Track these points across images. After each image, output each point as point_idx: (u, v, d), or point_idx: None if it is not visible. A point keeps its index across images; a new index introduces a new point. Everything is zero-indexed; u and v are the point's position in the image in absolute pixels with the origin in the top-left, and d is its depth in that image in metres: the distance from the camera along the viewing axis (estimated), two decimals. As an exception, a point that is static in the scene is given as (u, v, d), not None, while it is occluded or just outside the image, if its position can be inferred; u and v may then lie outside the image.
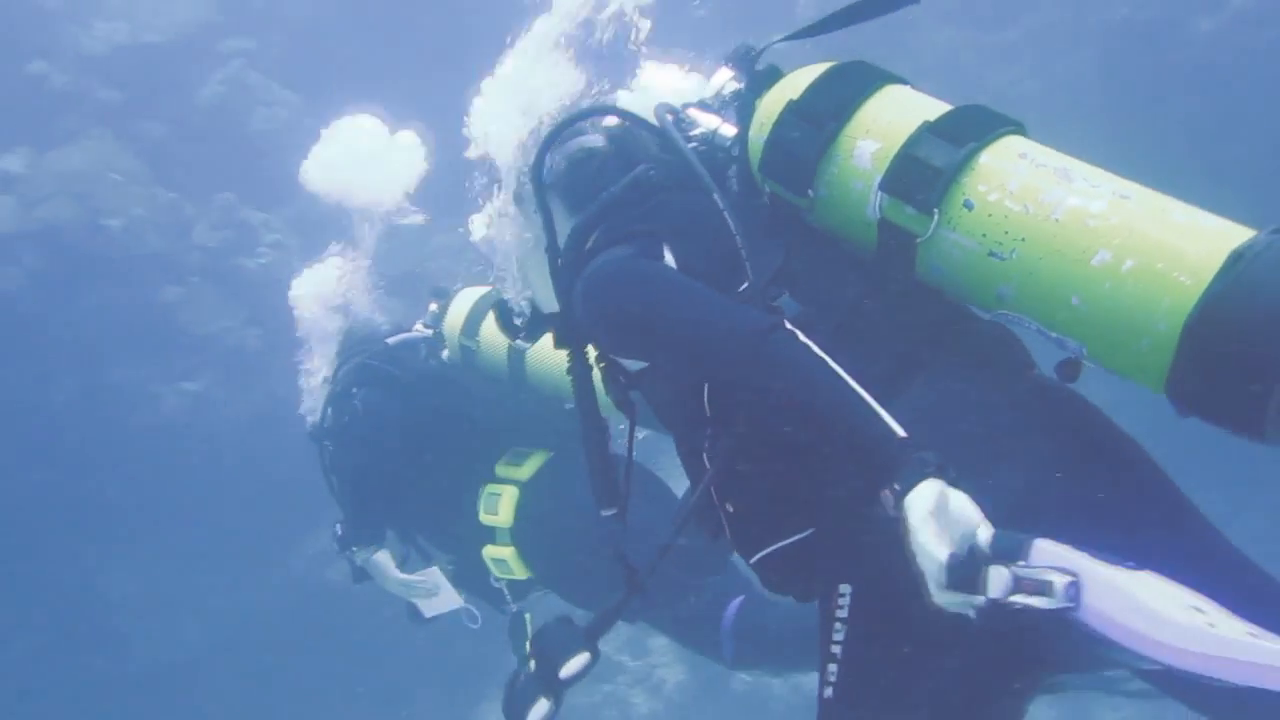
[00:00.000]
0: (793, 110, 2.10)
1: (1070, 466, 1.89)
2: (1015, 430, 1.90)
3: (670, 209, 2.19)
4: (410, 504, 4.17)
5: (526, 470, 3.98)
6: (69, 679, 7.96)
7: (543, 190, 2.37)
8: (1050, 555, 1.55)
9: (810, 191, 2.06)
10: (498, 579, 3.98)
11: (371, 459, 4.10)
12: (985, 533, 1.57)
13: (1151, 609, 1.50)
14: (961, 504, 1.60)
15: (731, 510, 2.05)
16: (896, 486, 1.63)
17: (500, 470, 3.99)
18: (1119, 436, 2.00)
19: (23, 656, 8.02)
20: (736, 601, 3.82)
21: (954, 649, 1.77)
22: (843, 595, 1.89)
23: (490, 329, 3.76)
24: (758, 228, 2.10)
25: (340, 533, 4.21)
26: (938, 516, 1.59)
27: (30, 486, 7.81)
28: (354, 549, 4.18)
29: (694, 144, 2.24)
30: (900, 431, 1.70)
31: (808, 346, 1.82)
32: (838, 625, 1.88)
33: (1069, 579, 1.51)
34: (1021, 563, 1.54)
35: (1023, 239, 1.84)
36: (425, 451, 4.02)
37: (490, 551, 3.92)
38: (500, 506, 3.91)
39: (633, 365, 2.24)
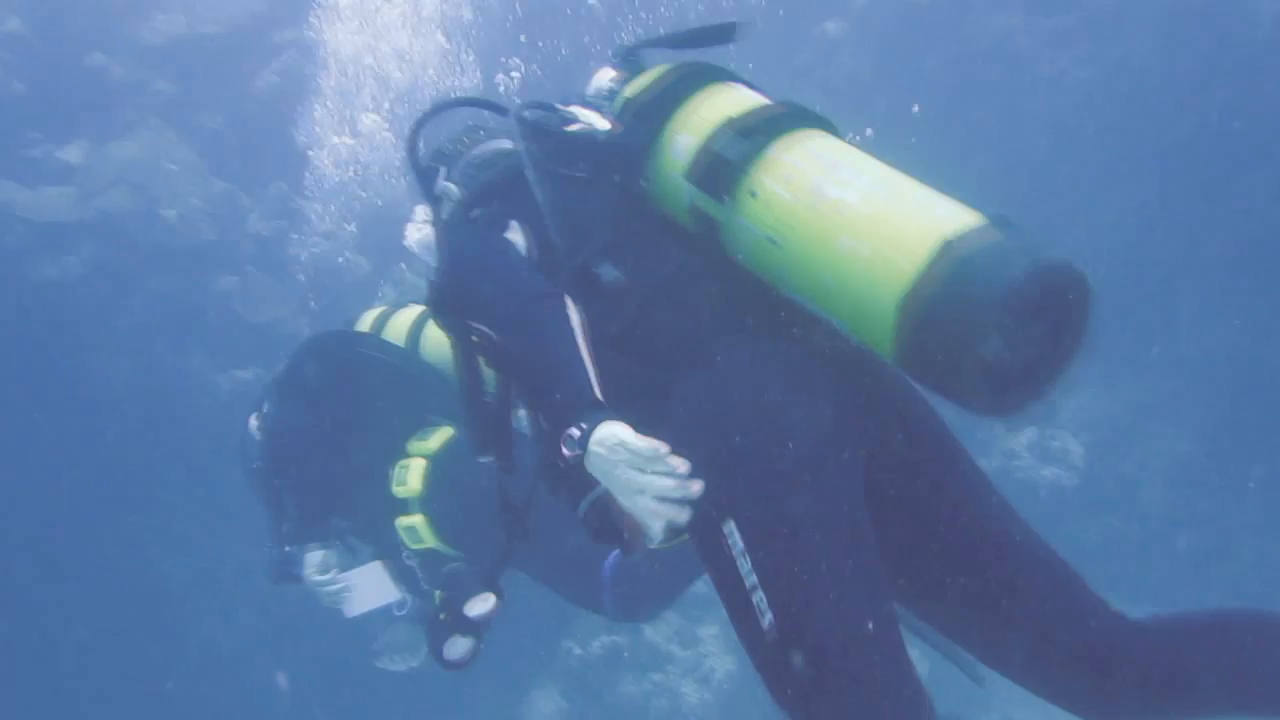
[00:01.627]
0: (628, 107, 2.36)
1: (864, 412, 2.14)
2: (816, 379, 2.12)
3: (521, 193, 2.43)
4: (337, 496, 4.37)
5: (434, 443, 4.22)
6: (126, 668, 8.06)
7: (423, 175, 2.72)
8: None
9: (642, 181, 2.32)
10: (410, 552, 4.17)
11: (292, 467, 4.33)
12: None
13: None
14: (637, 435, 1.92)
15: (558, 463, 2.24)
16: (583, 425, 1.97)
17: (411, 446, 4.20)
18: (910, 392, 2.24)
19: (80, 646, 8.13)
20: (614, 554, 4.04)
21: (840, 531, 2.01)
22: (729, 534, 2.01)
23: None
24: (604, 208, 2.36)
25: (285, 530, 4.36)
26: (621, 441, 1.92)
27: (88, 475, 7.92)
28: (293, 546, 4.34)
29: (577, 126, 2.48)
30: (598, 395, 2.03)
31: (562, 318, 2.14)
32: (740, 560, 2.00)
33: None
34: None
35: (790, 226, 2.05)
36: (342, 448, 4.24)
37: (401, 521, 4.13)
38: (409, 477, 4.14)
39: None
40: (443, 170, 2.73)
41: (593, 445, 1.96)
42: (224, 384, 8.25)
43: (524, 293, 2.22)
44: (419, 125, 2.70)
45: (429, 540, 4.15)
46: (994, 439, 8.05)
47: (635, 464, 1.91)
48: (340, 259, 8.32)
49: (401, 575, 4.28)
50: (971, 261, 1.86)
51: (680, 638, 7.95)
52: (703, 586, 2.90)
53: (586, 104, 2.53)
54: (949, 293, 1.86)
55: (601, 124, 2.45)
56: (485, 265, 2.35)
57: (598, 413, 2.00)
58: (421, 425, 4.29)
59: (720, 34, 2.51)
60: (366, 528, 4.37)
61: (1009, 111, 8.31)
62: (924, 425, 2.27)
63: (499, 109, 2.63)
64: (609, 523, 2.14)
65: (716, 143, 2.18)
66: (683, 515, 1.90)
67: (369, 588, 4.30)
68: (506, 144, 2.68)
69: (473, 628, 3.43)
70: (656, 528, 1.91)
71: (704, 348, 2.16)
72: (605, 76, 2.53)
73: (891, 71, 8.54)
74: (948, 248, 1.87)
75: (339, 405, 4.29)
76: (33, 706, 8.04)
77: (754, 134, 2.15)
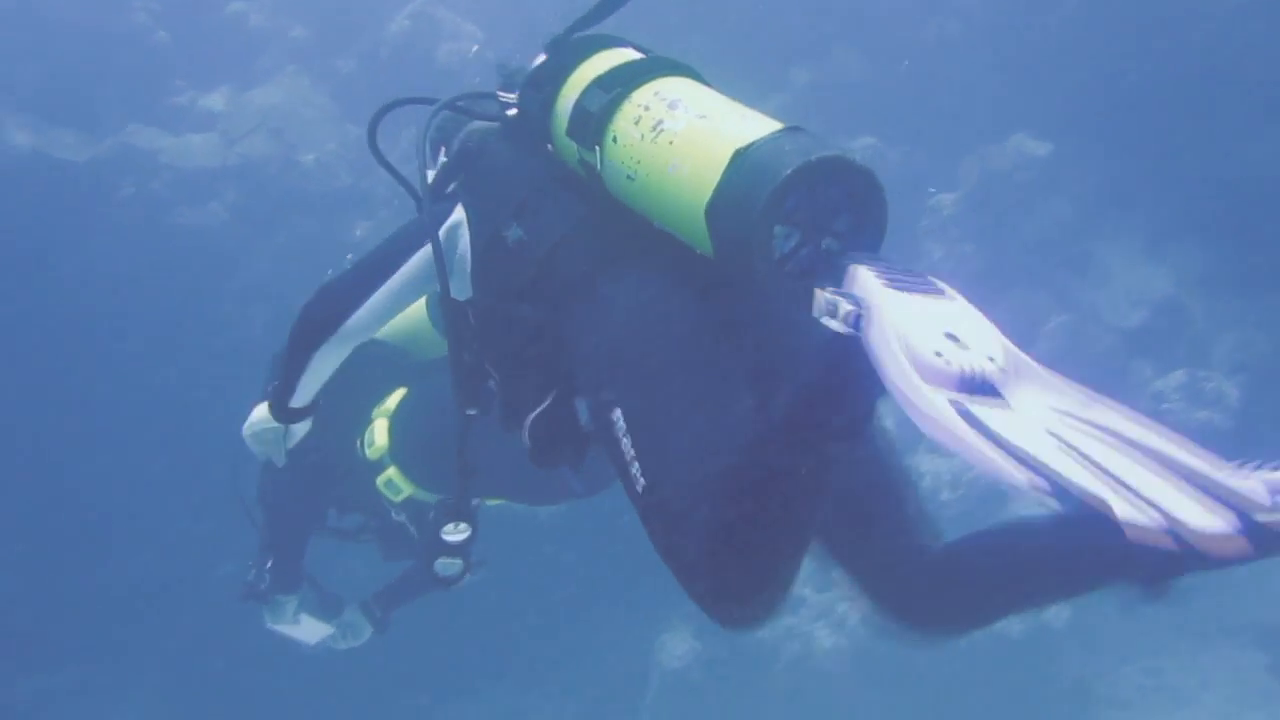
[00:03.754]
0: (529, 80, 2.67)
1: (731, 319, 2.36)
2: (685, 290, 2.37)
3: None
4: (332, 489, 4.75)
5: (391, 403, 4.55)
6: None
7: (386, 164, 3.05)
8: (858, 281, 1.92)
9: (549, 146, 2.62)
10: (396, 508, 4.53)
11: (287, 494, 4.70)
12: None
13: (905, 355, 1.72)
14: None
15: (497, 390, 2.56)
16: None
17: (374, 414, 4.54)
18: (792, 323, 2.32)
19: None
20: None
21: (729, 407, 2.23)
22: (615, 420, 2.27)
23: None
24: (522, 175, 2.69)
25: (269, 579, 4.77)
26: None
27: (231, 420, 8.13)
28: (276, 601, 4.82)
29: (512, 110, 2.79)
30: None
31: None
32: (623, 439, 2.25)
33: (853, 309, 1.85)
34: (832, 288, 1.94)
35: (639, 161, 2.32)
36: (329, 443, 4.46)
37: (380, 479, 4.47)
38: (375, 437, 4.50)
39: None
40: (441, 151, 3.06)
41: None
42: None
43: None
44: (377, 119, 3.00)
45: (407, 488, 4.49)
46: (1143, 381, 7.72)
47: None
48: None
49: (395, 536, 4.71)
50: (750, 163, 2.12)
51: (814, 581, 7.87)
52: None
53: (514, 88, 2.81)
54: (733, 191, 2.13)
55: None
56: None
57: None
58: (381, 395, 4.62)
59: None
60: (360, 500, 4.72)
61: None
62: (791, 335, 2.44)
63: (429, 102, 2.94)
64: (550, 439, 2.52)
65: (584, 99, 2.47)
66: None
67: (308, 633, 4.99)
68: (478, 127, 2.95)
69: (456, 550, 3.94)
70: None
71: (592, 283, 2.44)
72: (540, 58, 2.75)
73: None
74: (735, 155, 2.14)
75: (323, 407, 4.67)
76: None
77: (614, 86, 2.43)
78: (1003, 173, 8.45)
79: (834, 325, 1.90)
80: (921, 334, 1.73)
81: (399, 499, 4.52)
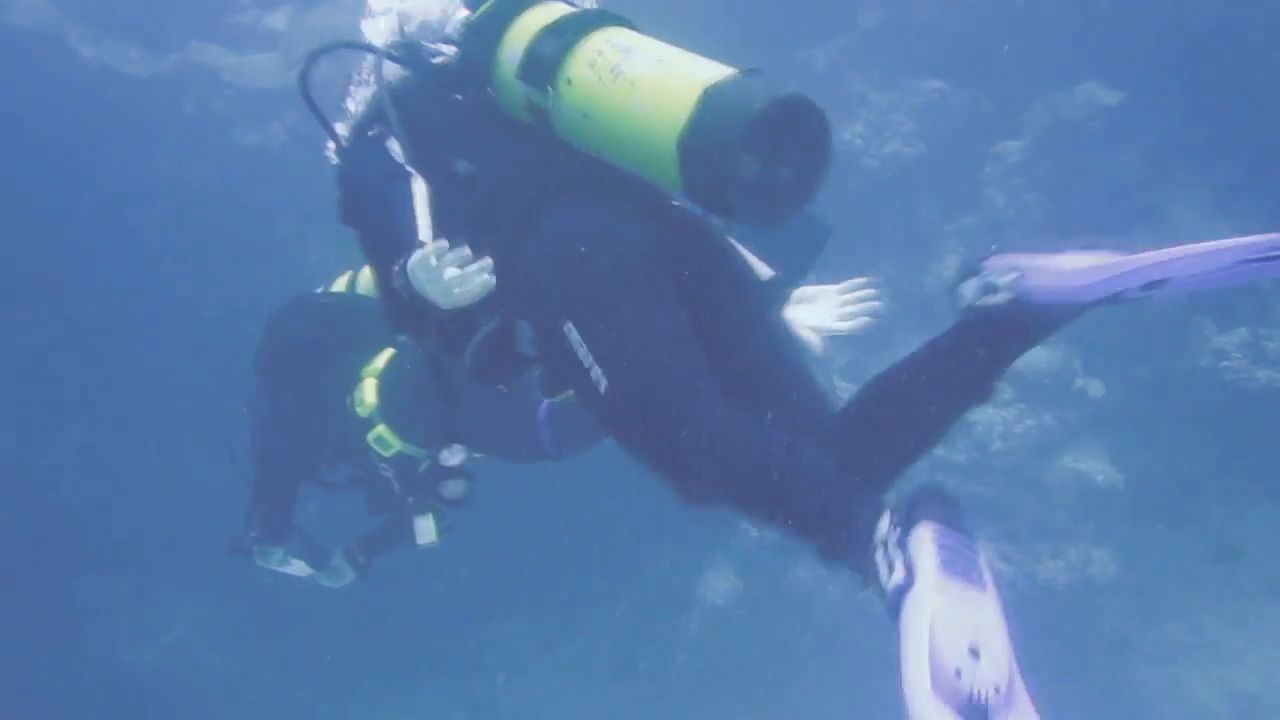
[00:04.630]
0: (469, 31, 2.89)
1: (672, 241, 2.63)
2: (628, 213, 2.63)
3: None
4: (323, 444, 5.03)
5: (380, 362, 4.82)
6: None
7: (316, 109, 3.17)
8: (999, 263, 2.31)
9: (489, 90, 2.84)
10: (385, 463, 4.83)
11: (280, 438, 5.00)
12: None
13: (1073, 270, 2.18)
14: None
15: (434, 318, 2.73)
16: (401, 260, 2.62)
17: (363, 373, 4.81)
18: (721, 246, 2.75)
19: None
20: (544, 405, 4.72)
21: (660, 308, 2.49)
22: (568, 333, 2.47)
23: None
24: (461, 118, 2.91)
25: (258, 529, 5.05)
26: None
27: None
28: (264, 549, 5.09)
29: (440, 59, 3.01)
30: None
31: (408, 192, 2.72)
32: (578, 349, 2.45)
33: (1015, 274, 2.25)
34: (978, 273, 2.31)
35: (596, 100, 2.56)
36: (321, 399, 4.87)
37: (370, 436, 4.76)
38: (365, 396, 4.77)
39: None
40: (350, 100, 3.22)
41: (409, 270, 2.59)
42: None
43: (385, 177, 2.81)
44: (307, 66, 3.15)
45: (396, 444, 4.78)
46: (1204, 339, 7.60)
47: (432, 265, 2.53)
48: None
49: (381, 490, 5.02)
50: (721, 100, 2.38)
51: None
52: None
53: (447, 40, 3.03)
54: (707, 126, 2.38)
55: (452, 51, 2.99)
56: (364, 176, 2.91)
57: (415, 250, 2.59)
58: (369, 354, 4.87)
59: None
60: (351, 455, 4.98)
61: None
62: (719, 261, 2.75)
63: (374, 49, 3.10)
64: (491, 360, 2.74)
65: (537, 44, 2.69)
66: (481, 282, 2.55)
67: (298, 569, 5.26)
68: (406, 74, 3.10)
69: (457, 472, 4.25)
70: (472, 290, 2.55)
71: (539, 214, 2.63)
72: (459, 16, 3.00)
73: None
74: (705, 94, 2.40)
75: (312, 364, 4.93)
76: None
77: (565, 33, 2.66)
78: (1072, 121, 8.29)
79: (995, 300, 2.28)
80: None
81: (389, 454, 4.80)
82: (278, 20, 8.82)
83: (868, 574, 2.06)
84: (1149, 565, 7.61)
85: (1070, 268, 2.18)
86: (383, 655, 8.25)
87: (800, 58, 8.93)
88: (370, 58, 3.09)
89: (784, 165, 2.50)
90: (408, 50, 3.07)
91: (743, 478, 2.27)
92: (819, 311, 3.09)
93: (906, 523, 2.03)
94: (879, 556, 2.04)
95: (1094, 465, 7.50)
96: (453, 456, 4.10)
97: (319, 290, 5.10)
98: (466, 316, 2.69)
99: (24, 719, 7.74)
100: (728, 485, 2.30)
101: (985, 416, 7.69)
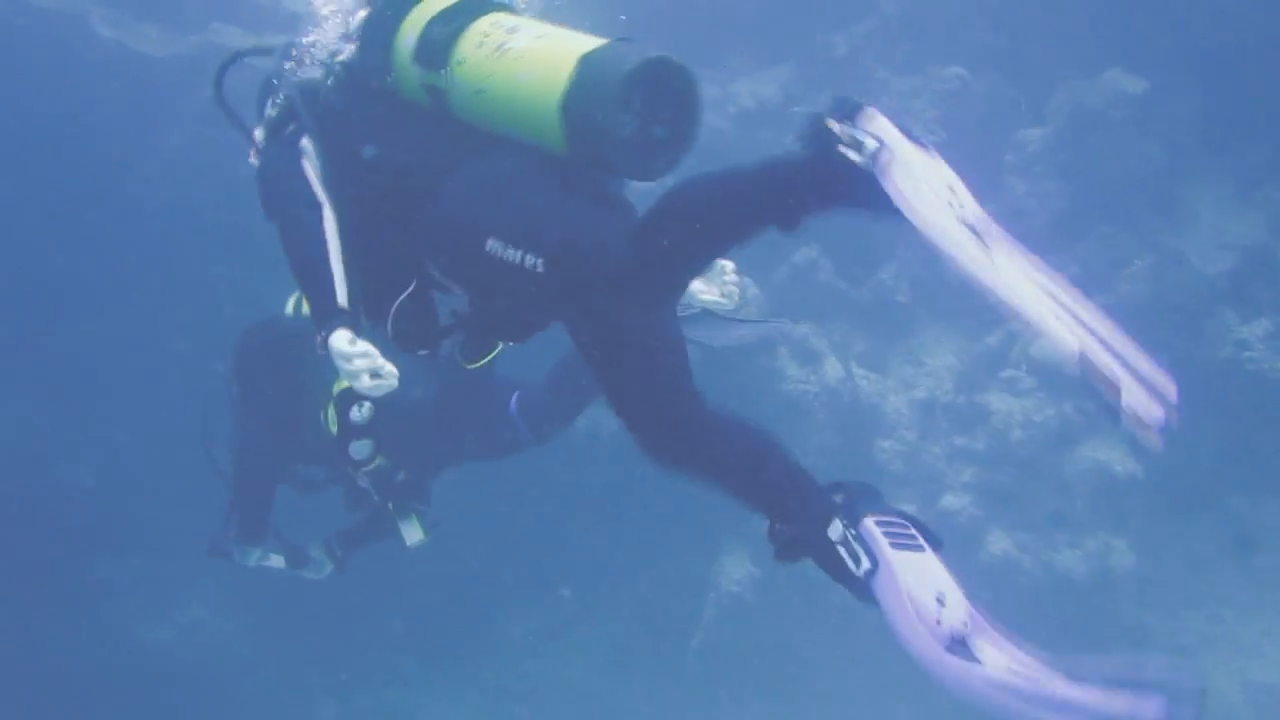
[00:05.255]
0: (368, 22, 3.11)
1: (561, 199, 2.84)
2: (527, 176, 2.85)
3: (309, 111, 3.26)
4: (299, 452, 5.23)
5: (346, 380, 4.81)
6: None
7: (231, 111, 3.52)
8: (874, 122, 2.32)
9: (388, 77, 3.06)
10: (360, 476, 4.88)
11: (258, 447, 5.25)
12: None
13: (917, 190, 2.25)
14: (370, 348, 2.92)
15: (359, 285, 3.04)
16: (323, 333, 2.92)
17: (334, 389, 4.76)
18: (624, 202, 2.94)
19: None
20: (515, 395, 4.99)
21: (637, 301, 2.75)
22: (492, 248, 2.75)
23: None
24: (364, 107, 3.12)
25: (234, 532, 5.31)
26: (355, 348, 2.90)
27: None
28: (243, 549, 5.35)
29: (342, 55, 3.22)
30: (342, 302, 2.96)
31: (319, 230, 3.03)
32: (508, 253, 2.73)
33: (879, 145, 2.28)
34: (847, 122, 2.34)
35: (487, 76, 2.79)
36: (296, 413, 5.03)
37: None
38: (335, 415, 4.72)
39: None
40: (269, 100, 3.41)
41: (330, 348, 2.90)
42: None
43: (297, 200, 3.08)
44: (219, 76, 3.49)
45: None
46: (1226, 329, 7.55)
47: (346, 364, 2.89)
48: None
49: (359, 496, 5.23)
50: (597, 64, 2.63)
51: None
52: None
53: (349, 38, 3.22)
54: (585, 87, 2.62)
55: (352, 47, 3.19)
56: (278, 177, 3.16)
57: (333, 321, 2.92)
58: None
59: None
60: (326, 464, 5.17)
61: None
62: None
63: (273, 53, 3.43)
64: (411, 325, 3.06)
65: (429, 30, 2.93)
66: (384, 385, 2.92)
67: (274, 563, 5.49)
68: (314, 74, 3.33)
69: (364, 431, 4.29)
70: (365, 386, 2.90)
71: (440, 185, 2.90)
72: (359, 17, 3.20)
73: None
74: (582, 59, 2.65)
75: (284, 382, 5.11)
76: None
77: (454, 19, 2.91)
78: (1095, 109, 8.24)
79: (852, 156, 2.30)
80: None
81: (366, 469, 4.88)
82: (297, 2, 8.79)
83: (831, 567, 2.47)
84: (1167, 555, 7.58)
85: (918, 188, 2.27)
86: (395, 639, 8.25)
87: (820, 42, 8.90)
88: (287, 63, 3.38)
89: (658, 124, 2.73)
90: (313, 51, 3.35)
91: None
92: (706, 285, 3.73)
93: (854, 520, 2.47)
94: (843, 553, 2.46)
95: (1113, 455, 7.47)
96: (361, 414, 4.16)
97: (290, 299, 5.36)
98: (386, 283, 3.04)
99: (40, 696, 7.74)
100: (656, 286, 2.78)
101: (1005, 405, 7.66)
